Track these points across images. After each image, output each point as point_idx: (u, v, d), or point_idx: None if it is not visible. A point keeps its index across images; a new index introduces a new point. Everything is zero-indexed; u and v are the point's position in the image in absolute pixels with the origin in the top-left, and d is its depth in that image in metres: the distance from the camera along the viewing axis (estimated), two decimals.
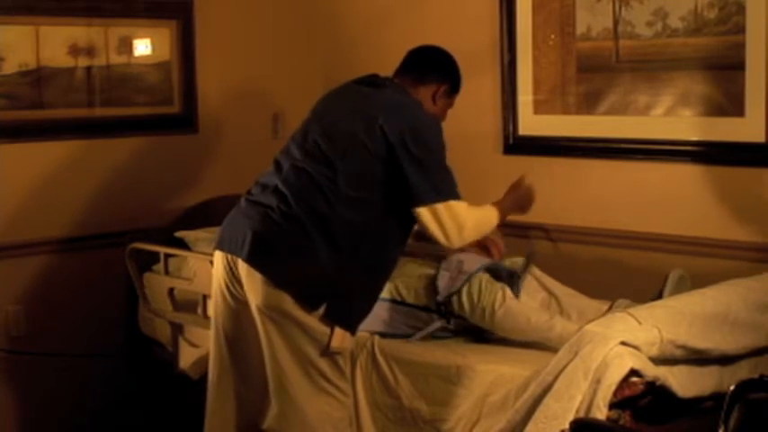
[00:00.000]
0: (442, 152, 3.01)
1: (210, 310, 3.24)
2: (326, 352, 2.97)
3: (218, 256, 3.13)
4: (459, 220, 2.97)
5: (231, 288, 3.10)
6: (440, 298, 3.28)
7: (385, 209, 3.00)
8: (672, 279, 3.18)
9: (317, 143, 3.04)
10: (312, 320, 2.95)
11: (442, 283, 3.37)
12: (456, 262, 3.42)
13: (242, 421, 3.18)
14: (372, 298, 3.10)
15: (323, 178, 2.98)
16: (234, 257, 3.05)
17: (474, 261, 3.43)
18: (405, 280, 3.48)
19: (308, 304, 2.94)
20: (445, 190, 2.97)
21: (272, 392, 3.04)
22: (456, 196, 2.99)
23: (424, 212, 2.95)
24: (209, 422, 3.21)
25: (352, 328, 3.02)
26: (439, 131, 3.03)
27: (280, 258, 2.98)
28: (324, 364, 2.99)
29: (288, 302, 2.94)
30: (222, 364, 3.18)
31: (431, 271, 3.54)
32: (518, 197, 3.32)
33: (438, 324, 3.38)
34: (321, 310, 2.94)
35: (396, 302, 3.43)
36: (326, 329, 2.96)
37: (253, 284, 3.00)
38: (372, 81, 3.17)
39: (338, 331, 2.96)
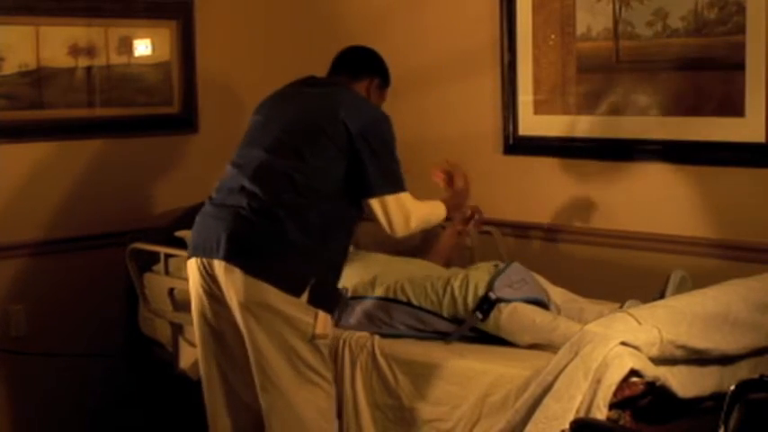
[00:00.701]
0: (394, 144, 3.19)
1: (195, 326, 3.27)
2: (311, 340, 3.05)
3: (193, 263, 3.18)
4: (406, 212, 3.16)
5: (209, 290, 3.15)
6: (492, 295, 3.25)
7: (347, 196, 3.14)
8: (673, 280, 3.18)
9: (281, 139, 3.16)
10: (295, 310, 3.03)
11: (499, 284, 3.30)
12: (520, 277, 3.37)
13: (242, 414, 3.24)
14: (338, 279, 3.21)
15: (291, 170, 3.09)
16: (209, 261, 3.10)
17: (536, 288, 3.39)
18: (409, 280, 3.46)
19: (292, 292, 3.01)
20: (396, 183, 3.15)
21: (259, 388, 3.10)
22: (404, 188, 3.17)
23: (374, 203, 3.12)
24: (211, 419, 3.26)
25: (333, 310, 3.13)
26: (391, 125, 3.21)
27: (258, 252, 3.05)
28: (308, 354, 3.06)
29: (271, 294, 3.01)
30: (211, 364, 3.22)
31: (433, 272, 3.54)
32: (457, 194, 3.49)
33: (472, 323, 3.32)
34: (304, 297, 3.02)
35: (398, 302, 3.42)
36: (309, 319, 3.04)
37: (232, 282, 3.04)
38: (317, 81, 3.35)
39: (321, 316, 3.05)
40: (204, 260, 3.12)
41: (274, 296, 3.01)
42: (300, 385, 3.07)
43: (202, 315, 3.20)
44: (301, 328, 3.04)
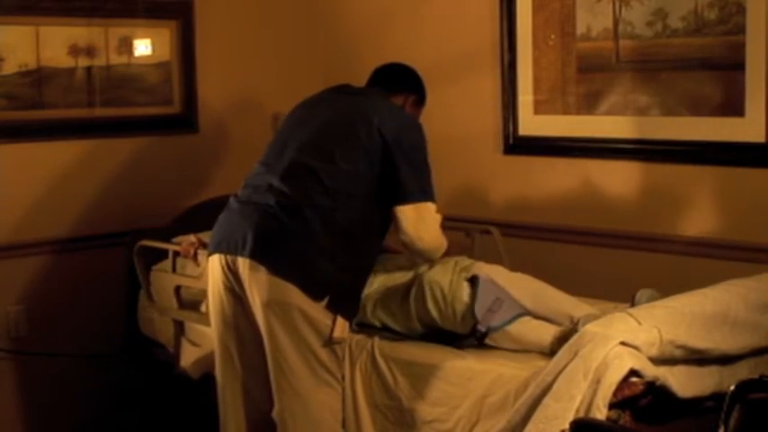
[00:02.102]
0: (426, 152, 3.18)
1: (212, 320, 3.27)
2: (328, 342, 3.07)
3: (215, 259, 3.17)
4: (434, 223, 3.14)
5: (231, 288, 3.15)
6: (482, 328, 3.17)
7: (376, 202, 3.12)
8: (639, 302, 3.07)
9: (312, 141, 3.16)
10: (315, 312, 3.04)
11: (480, 313, 3.20)
12: (494, 296, 3.24)
13: (253, 414, 3.25)
14: (363, 286, 3.22)
15: (321, 171, 3.09)
16: (233, 258, 3.10)
17: (512, 305, 3.25)
18: (378, 303, 3.41)
19: (314, 295, 3.02)
20: (427, 192, 3.13)
21: (276, 389, 3.11)
22: (433, 199, 3.15)
23: (407, 210, 3.09)
24: (223, 417, 3.28)
25: (351, 316, 3.14)
26: (423, 132, 3.21)
27: (284, 251, 3.05)
28: (324, 355, 3.08)
29: (294, 294, 3.01)
30: (227, 362, 3.23)
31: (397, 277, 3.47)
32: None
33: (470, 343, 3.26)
34: (325, 302, 3.03)
35: (375, 328, 3.39)
36: (328, 321, 3.05)
37: (257, 280, 3.05)
38: (352, 89, 3.36)
39: (339, 321, 3.06)
40: (228, 257, 3.12)
41: (297, 296, 3.02)
42: (317, 387, 3.09)
43: (221, 313, 3.20)
44: (320, 329, 3.06)
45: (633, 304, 3.07)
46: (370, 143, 3.09)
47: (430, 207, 3.13)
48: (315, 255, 3.04)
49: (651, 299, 3.06)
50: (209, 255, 3.21)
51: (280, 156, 3.20)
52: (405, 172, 3.08)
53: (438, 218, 3.16)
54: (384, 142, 3.09)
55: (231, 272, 3.12)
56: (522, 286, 3.31)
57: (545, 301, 3.28)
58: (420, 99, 3.48)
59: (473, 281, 3.29)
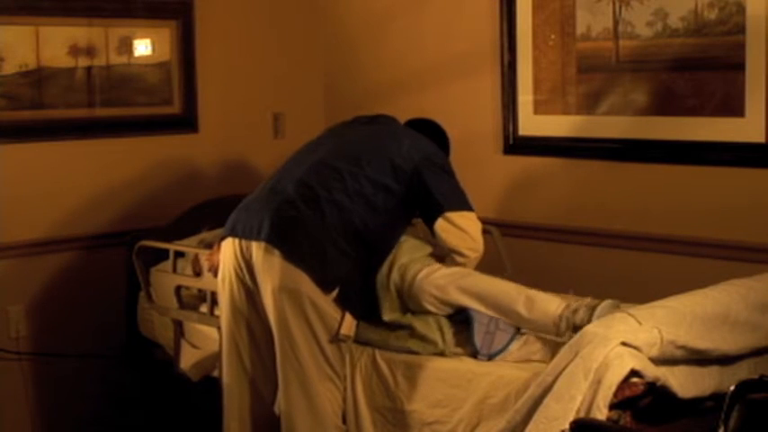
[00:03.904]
0: (454, 174, 3.33)
1: (221, 307, 3.29)
2: (335, 338, 3.10)
3: (229, 243, 3.20)
4: (479, 231, 3.30)
5: (241, 275, 3.18)
6: (482, 358, 3.15)
7: (395, 213, 3.21)
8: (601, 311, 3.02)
9: (344, 147, 3.26)
10: (325, 304, 3.08)
11: (479, 337, 3.18)
12: (488, 317, 3.19)
13: (258, 407, 3.28)
14: (372, 288, 3.25)
15: (347, 173, 3.16)
16: (247, 242, 3.13)
17: (505, 324, 3.19)
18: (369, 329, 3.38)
19: (323, 286, 3.06)
20: (465, 201, 3.29)
21: (281, 378, 3.14)
22: (472, 208, 3.30)
23: (451, 218, 3.22)
24: (227, 411, 3.29)
25: (359, 315, 3.16)
26: (449, 162, 3.37)
27: (300, 238, 3.09)
28: (330, 351, 3.12)
29: (305, 282, 3.05)
30: (235, 357, 3.25)
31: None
32: None
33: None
34: (334, 294, 3.07)
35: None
36: (337, 316, 3.09)
37: (270, 266, 3.07)
38: (389, 119, 3.45)
39: (348, 317, 3.10)
40: (242, 242, 3.14)
41: (308, 285, 3.05)
42: (320, 379, 3.11)
43: (231, 306, 3.23)
44: (329, 323, 3.09)
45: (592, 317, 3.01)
46: (399, 159, 3.19)
47: (470, 215, 3.27)
48: (328, 247, 3.08)
49: (612, 308, 3.02)
50: (223, 239, 3.23)
51: (309, 155, 3.28)
52: (434, 187, 3.20)
53: (479, 225, 3.30)
54: (415, 163, 3.19)
55: (244, 259, 3.15)
56: (483, 297, 3.25)
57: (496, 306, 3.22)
58: (445, 154, 3.55)
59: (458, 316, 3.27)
